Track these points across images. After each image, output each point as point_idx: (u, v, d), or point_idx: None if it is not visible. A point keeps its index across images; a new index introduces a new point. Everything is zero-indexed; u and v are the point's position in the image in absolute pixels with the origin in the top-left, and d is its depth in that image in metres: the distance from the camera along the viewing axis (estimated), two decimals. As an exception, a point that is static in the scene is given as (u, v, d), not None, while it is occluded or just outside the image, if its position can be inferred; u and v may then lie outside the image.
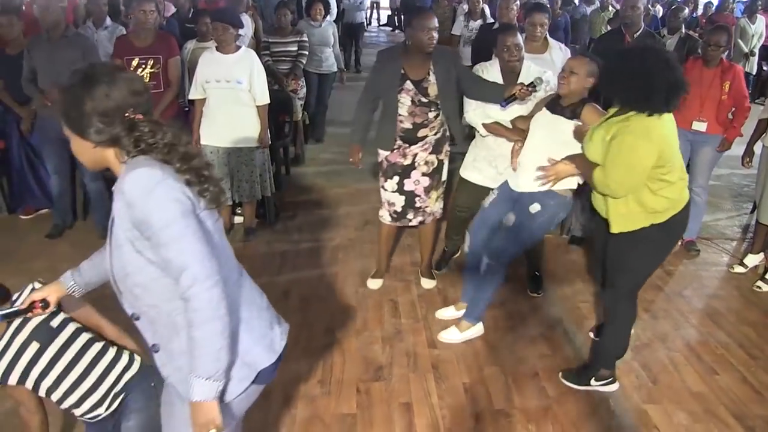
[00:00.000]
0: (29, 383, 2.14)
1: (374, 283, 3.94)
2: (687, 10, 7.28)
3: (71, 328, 2.17)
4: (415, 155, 3.62)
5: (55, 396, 2.14)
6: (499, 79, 3.58)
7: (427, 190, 3.70)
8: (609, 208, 2.71)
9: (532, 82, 3.25)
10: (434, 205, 3.76)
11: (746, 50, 8.91)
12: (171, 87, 4.32)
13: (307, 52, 5.87)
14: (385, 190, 3.71)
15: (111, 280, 1.64)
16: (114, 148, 1.56)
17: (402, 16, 11.85)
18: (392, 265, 4.17)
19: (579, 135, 2.96)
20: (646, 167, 2.53)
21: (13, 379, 2.13)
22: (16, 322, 2.15)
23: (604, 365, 3.02)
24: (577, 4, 9.98)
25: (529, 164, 3.12)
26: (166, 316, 1.59)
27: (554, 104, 3.13)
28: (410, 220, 3.77)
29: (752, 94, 8.32)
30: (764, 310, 3.84)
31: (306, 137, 6.66)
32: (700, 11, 11.72)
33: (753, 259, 4.30)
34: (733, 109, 4.17)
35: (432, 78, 3.48)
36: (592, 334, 3.48)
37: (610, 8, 8.85)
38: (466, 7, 7.76)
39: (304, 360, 3.18)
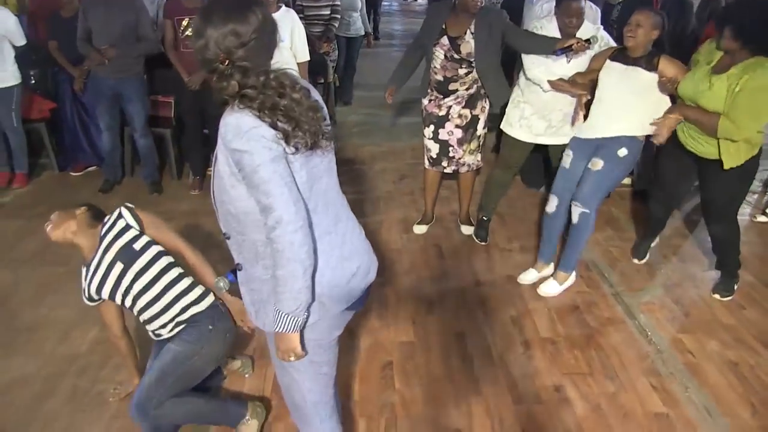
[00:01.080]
0: (117, 299, 2.42)
1: (420, 229, 4.22)
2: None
3: (153, 251, 2.44)
4: (450, 107, 3.87)
5: (135, 310, 2.43)
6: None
7: (460, 142, 3.94)
8: (722, 149, 3.07)
9: (588, 39, 3.42)
10: (467, 156, 4.00)
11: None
12: (220, 46, 4.52)
13: (339, 16, 6.08)
14: (424, 136, 4.01)
15: (212, 200, 1.81)
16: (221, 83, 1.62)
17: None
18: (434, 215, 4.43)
19: (665, 86, 3.17)
20: None
21: (105, 294, 2.41)
22: (105, 241, 2.42)
23: (734, 274, 3.57)
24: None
25: (610, 112, 3.32)
26: (251, 244, 1.73)
27: (623, 56, 3.29)
28: (444, 167, 4.04)
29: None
30: (787, 254, 4.11)
31: (335, 100, 6.88)
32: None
33: (775, 208, 4.56)
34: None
35: (468, 37, 3.68)
36: (636, 260, 3.93)
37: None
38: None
39: (361, 296, 3.44)
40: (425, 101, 3.95)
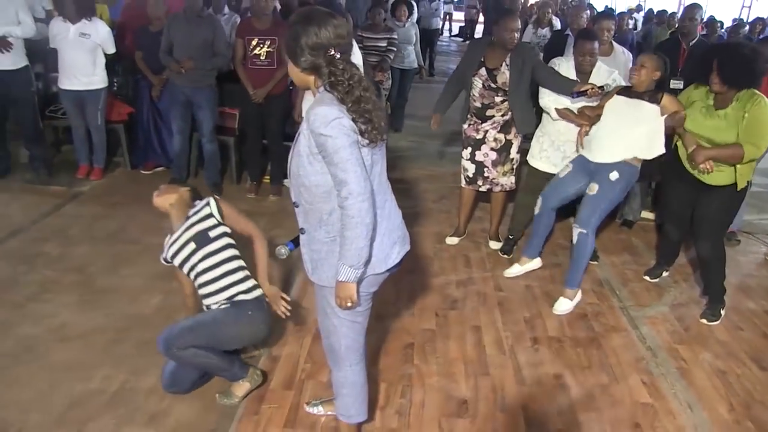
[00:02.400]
0: (185, 269, 2.96)
1: (452, 240, 4.71)
2: (747, 28, 7.88)
3: (224, 241, 2.99)
4: (486, 131, 4.39)
5: (196, 283, 2.97)
6: (573, 76, 4.19)
7: (495, 164, 4.44)
8: (737, 171, 3.56)
9: (602, 86, 3.89)
10: (501, 178, 4.49)
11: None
12: (283, 65, 5.10)
13: (395, 49, 6.68)
14: (462, 157, 4.52)
15: (288, 174, 2.29)
16: (314, 75, 2.14)
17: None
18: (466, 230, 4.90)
19: (674, 119, 3.62)
20: None
21: (176, 262, 2.96)
22: (189, 221, 2.97)
23: (720, 300, 3.93)
24: (650, 24, 10.69)
25: (607, 140, 3.79)
26: (317, 212, 2.17)
27: (629, 92, 3.78)
28: (479, 186, 4.53)
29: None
30: (793, 290, 4.45)
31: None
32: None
33: (789, 249, 4.89)
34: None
35: (504, 69, 4.21)
36: (648, 278, 4.36)
37: (676, 25, 9.44)
38: (534, 16, 8.52)
39: (392, 289, 3.90)
40: (465, 126, 4.48)
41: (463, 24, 19.55)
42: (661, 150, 3.73)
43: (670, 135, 3.78)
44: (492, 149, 4.42)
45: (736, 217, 4.89)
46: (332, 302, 2.25)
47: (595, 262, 4.54)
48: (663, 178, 4.01)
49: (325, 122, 2.00)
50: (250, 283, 2.95)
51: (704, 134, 3.58)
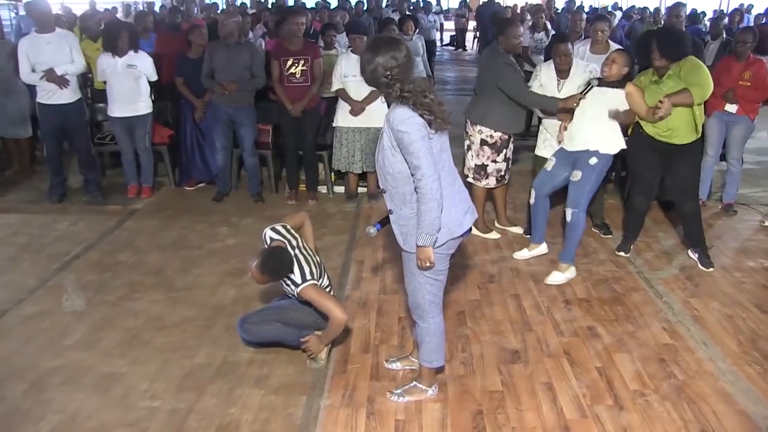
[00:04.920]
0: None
1: (476, 231, 5.25)
2: (727, 19, 8.59)
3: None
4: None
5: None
6: (554, 76, 4.83)
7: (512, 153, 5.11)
8: (695, 115, 4.33)
9: (585, 89, 4.43)
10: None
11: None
12: (316, 81, 5.74)
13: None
14: (496, 162, 5.01)
15: (376, 166, 2.90)
16: (386, 91, 2.74)
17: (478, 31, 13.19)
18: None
19: (633, 97, 4.22)
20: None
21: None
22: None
23: (705, 246, 4.72)
24: (634, 19, 11.43)
25: (582, 130, 4.39)
26: (401, 194, 2.78)
27: (600, 83, 4.37)
28: (506, 179, 5.13)
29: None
30: (786, 249, 5.10)
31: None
32: (751, 22, 12.97)
33: (781, 215, 5.55)
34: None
35: None
36: (622, 253, 4.90)
37: (662, 21, 10.16)
38: (530, 21, 9.20)
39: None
40: (499, 133, 4.93)
41: (453, 33, 20.26)
42: (622, 145, 4.39)
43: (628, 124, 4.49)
44: (512, 143, 5.06)
45: (731, 189, 5.64)
46: (419, 264, 2.84)
47: (609, 236, 5.16)
48: (632, 154, 4.59)
49: (401, 121, 2.62)
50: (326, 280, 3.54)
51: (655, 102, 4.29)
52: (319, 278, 3.40)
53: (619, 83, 4.29)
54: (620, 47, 5.63)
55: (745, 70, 5.32)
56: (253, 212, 5.83)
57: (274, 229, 3.45)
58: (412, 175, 2.67)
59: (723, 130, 5.58)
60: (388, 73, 2.65)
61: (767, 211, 5.89)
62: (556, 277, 4.47)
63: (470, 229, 2.96)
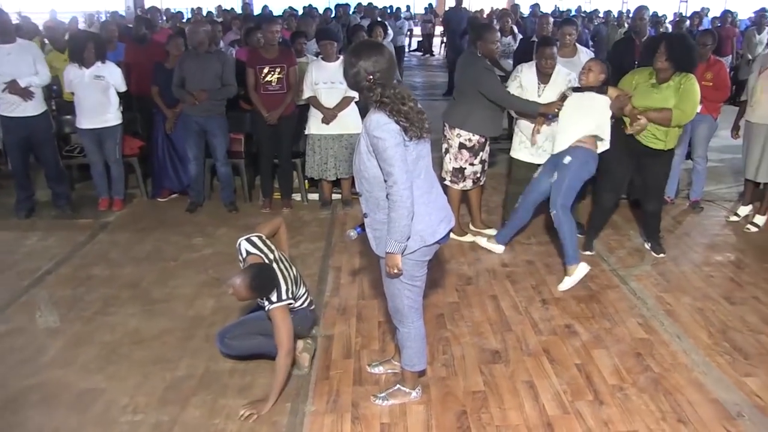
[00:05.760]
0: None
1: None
2: (688, 22, 8.84)
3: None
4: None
5: None
6: (535, 79, 4.94)
7: (488, 156, 5.17)
8: (669, 134, 4.52)
9: (563, 95, 4.59)
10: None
11: (750, 57, 10.36)
12: (292, 89, 5.75)
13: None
14: (473, 164, 5.06)
15: (353, 170, 2.93)
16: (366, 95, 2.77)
17: (446, 36, 13.38)
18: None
19: (620, 101, 4.41)
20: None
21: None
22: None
23: (659, 237, 5.02)
24: (596, 23, 11.67)
25: (563, 132, 4.48)
26: (375, 199, 2.79)
27: (580, 89, 4.52)
28: (481, 181, 5.20)
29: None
30: (751, 243, 5.27)
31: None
32: (709, 25, 13.32)
33: (744, 210, 5.73)
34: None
35: None
36: (587, 252, 4.98)
37: (625, 24, 10.39)
38: (497, 26, 9.31)
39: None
40: (476, 135, 4.98)
41: (420, 39, 20.39)
42: (607, 146, 4.49)
43: (618, 119, 4.59)
44: (488, 145, 5.13)
45: (697, 186, 5.79)
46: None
47: (582, 236, 5.26)
48: (608, 155, 4.62)
49: (377, 126, 2.63)
50: (303, 296, 3.48)
51: (653, 104, 4.46)
52: (297, 288, 3.40)
53: (599, 89, 4.40)
54: (587, 50, 5.79)
55: (706, 71, 5.48)
56: (227, 221, 5.81)
57: (249, 241, 3.36)
58: (385, 181, 2.69)
59: (688, 129, 5.71)
60: (371, 77, 2.67)
61: (732, 206, 6.06)
62: (567, 283, 4.43)
63: (447, 235, 2.98)
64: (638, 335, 3.82)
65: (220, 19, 11.51)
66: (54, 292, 4.47)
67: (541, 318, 4.03)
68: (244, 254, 3.33)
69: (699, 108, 5.41)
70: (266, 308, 3.24)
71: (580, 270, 4.44)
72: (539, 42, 5.27)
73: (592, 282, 4.51)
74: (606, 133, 4.46)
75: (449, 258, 4.93)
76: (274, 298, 3.21)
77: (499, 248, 4.98)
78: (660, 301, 4.24)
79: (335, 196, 6.25)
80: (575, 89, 4.56)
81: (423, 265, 2.97)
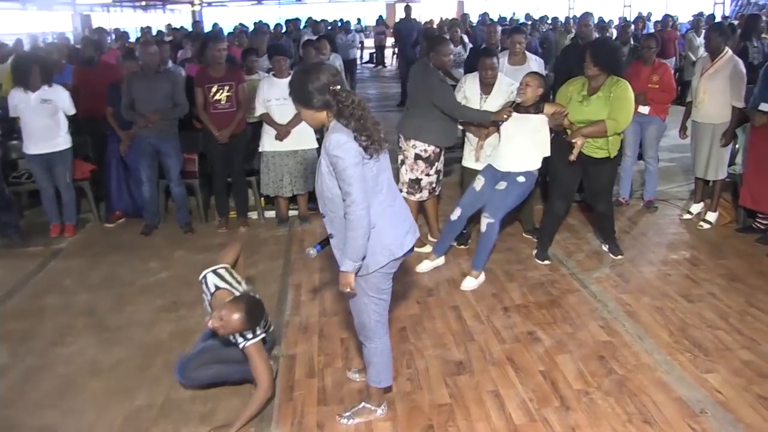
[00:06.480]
0: None
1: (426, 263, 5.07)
2: (633, 27, 9.02)
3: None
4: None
5: None
6: (478, 89, 4.97)
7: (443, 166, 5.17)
8: (610, 143, 4.55)
9: (512, 102, 4.65)
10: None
11: (694, 59, 10.61)
12: (241, 106, 5.68)
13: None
14: (429, 175, 5.03)
15: (316, 191, 2.88)
16: (326, 110, 2.69)
17: (398, 47, 13.41)
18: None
19: (557, 118, 4.47)
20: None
21: None
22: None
23: (615, 239, 5.08)
24: (545, 30, 11.85)
25: (511, 152, 4.56)
26: (340, 218, 2.75)
27: (517, 108, 4.58)
28: (437, 191, 5.19)
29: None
30: (704, 240, 5.37)
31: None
32: (652, 29, 13.64)
33: (696, 208, 5.85)
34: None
35: None
36: (541, 261, 4.98)
37: (572, 30, 10.56)
38: (447, 36, 9.35)
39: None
40: (432, 146, 4.96)
41: (373, 51, 20.43)
42: (547, 153, 4.57)
43: (560, 131, 4.64)
44: (443, 154, 5.12)
45: (650, 186, 5.91)
46: (363, 286, 2.86)
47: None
48: (554, 159, 4.69)
49: (337, 146, 2.62)
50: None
51: (585, 118, 4.51)
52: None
53: (537, 107, 4.46)
54: (537, 58, 5.84)
55: (652, 73, 5.60)
56: (184, 243, 5.68)
57: (217, 274, 3.24)
58: (344, 200, 2.68)
59: (638, 131, 5.84)
60: (332, 87, 2.66)
61: (684, 205, 6.17)
62: (470, 284, 4.55)
63: (413, 248, 2.98)
64: (600, 338, 3.83)
65: (170, 38, 11.33)
66: (2, 326, 4.29)
67: (504, 326, 4.02)
68: (212, 289, 3.20)
69: (647, 110, 5.59)
70: (240, 344, 3.09)
71: (482, 276, 4.62)
72: (480, 53, 5.30)
73: (553, 287, 4.53)
74: (547, 149, 4.57)
75: (409, 269, 4.89)
76: (250, 334, 3.11)
77: (441, 260, 4.95)
78: (620, 303, 4.27)
79: (292, 213, 6.18)
80: (516, 106, 4.58)
81: (389, 278, 2.97)
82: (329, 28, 14.30)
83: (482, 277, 4.62)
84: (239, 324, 2.98)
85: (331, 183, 2.71)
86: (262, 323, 3.18)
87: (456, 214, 4.74)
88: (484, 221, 4.49)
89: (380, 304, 2.97)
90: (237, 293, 3.18)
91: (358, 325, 3.05)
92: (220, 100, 5.54)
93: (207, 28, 13.24)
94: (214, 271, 3.25)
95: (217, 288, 3.19)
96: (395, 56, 17.19)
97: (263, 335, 3.19)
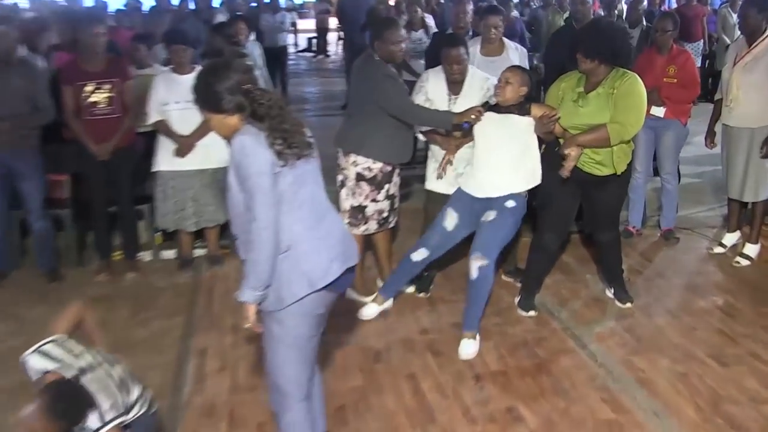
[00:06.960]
0: None
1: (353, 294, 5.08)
2: (645, 3, 9.18)
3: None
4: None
5: None
6: (445, 89, 4.95)
7: (398, 189, 5.11)
8: (615, 155, 4.46)
9: (485, 102, 4.65)
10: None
11: (728, 42, 10.67)
12: (129, 111, 5.54)
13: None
14: (377, 201, 4.95)
15: (228, 208, 2.98)
16: (238, 114, 2.82)
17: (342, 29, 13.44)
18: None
19: (545, 124, 4.42)
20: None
21: None
22: None
23: (622, 279, 5.04)
24: (534, 6, 11.99)
25: (493, 168, 4.52)
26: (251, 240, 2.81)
27: (496, 108, 4.55)
28: (390, 222, 5.12)
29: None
30: (742, 279, 5.41)
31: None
32: (674, 4, 13.92)
33: (730, 238, 5.89)
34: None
35: None
36: (524, 312, 4.94)
37: (568, 8, 10.70)
38: (405, 17, 9.36)
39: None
40: (379, 165, 4.87)
41: (314, 35, 20.48)
42: (538, 180, 4.60)
43: (550, 141, 4.64)
44: (398, 175, 5.05)
45: (668, 212, 5.96)
46: (277, 332, 2.93)
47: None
48: (545, 184, 4.66)
49: (241, 150, 2.76)
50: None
51: (581, 122, 4.46)
52: (127, 394, 3.12)
53: (521, 108, 4.43)
54: (517, 45, 5.83)
55: (669, 64, 5.64)
56: (46, 297, 5.45)
57: (42, 353, 3.00)
58: (247, 215, 2.81)
59: (652, 140, 5.86)
60: (244, 86, 2.81)
61: (715, 234, 6.21)
62: (471, 348, 4.44)
63: (345, 279, 3.04)
64: (603, 415, 3.79)
65: (30, 14, 11.02)
66: None
67: (475, 401, 3.95)
68: (39, 375, 2.99)
69: (662, 112, 5.62)
70: None
71: (478, 337, 4.54)
72: (442, 41, 5.24)
73: (540, 347, 4.48)
74: (537, 168, 4.59)
75: (351, 325, 4.80)
76: (94, 423, 2.93)
77: (389, 303, 4.96)
78: (629, 367, 4.23)
79: (198, 252, 6.08)
80: (491, 107, 4.56)
81: (314, 321, 3.01)
82: (254, 5, 14.23)
83: (478, 337, 4.53)
84: (45, 423, 2.75)
85: (238, 199, 2.84)
86: (119, 406, 3.02)
87: (419, 256, 4.70)
88: (475, 264, 4.42)
89: (300, 357, 3.01)
90: (75, 372, 2.97)
91: (271, 388, 3.08)
92: (97, 102, 5.41)
93: (87, 1, 12.97)
94: (39, 350, 3.01)
95: (46, 372, 2.96)
96: (341, 42, 17.23)
97: (120, 419, 3.00)
